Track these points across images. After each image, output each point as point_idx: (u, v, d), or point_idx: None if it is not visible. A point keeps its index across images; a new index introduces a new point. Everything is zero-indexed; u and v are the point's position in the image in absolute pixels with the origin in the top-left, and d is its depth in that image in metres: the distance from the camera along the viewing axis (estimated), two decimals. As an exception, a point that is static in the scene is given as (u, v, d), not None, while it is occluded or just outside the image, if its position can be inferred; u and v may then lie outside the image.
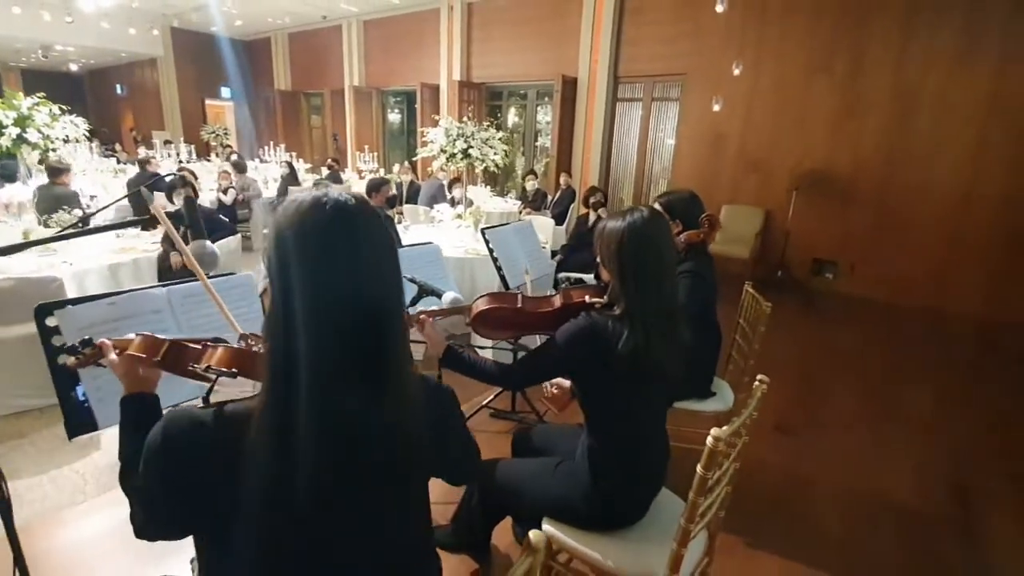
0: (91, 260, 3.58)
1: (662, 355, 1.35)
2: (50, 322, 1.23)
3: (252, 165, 9.00)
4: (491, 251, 2.87)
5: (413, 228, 4.92)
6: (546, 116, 8.98)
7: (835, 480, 2.57)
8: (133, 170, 7.46)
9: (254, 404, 0.77)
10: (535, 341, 2.46)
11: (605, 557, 1.37)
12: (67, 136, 5.47)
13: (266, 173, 9.11)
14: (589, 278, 4.05)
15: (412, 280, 1.82)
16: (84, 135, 5.89)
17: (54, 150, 5.36)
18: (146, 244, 4.02)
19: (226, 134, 13.48)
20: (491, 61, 9.02)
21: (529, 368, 1.54)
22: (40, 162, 5.44)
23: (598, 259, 1.46)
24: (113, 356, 1.00)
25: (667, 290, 1.40)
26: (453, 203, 5.87)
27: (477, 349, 2.85)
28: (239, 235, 4.65)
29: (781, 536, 2.16)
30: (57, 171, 4.56)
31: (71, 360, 1.02)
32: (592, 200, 5.00)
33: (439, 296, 1.73)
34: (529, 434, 1.82)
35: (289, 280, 0.74)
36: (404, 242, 3.58)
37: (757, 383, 1.37)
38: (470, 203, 5.30)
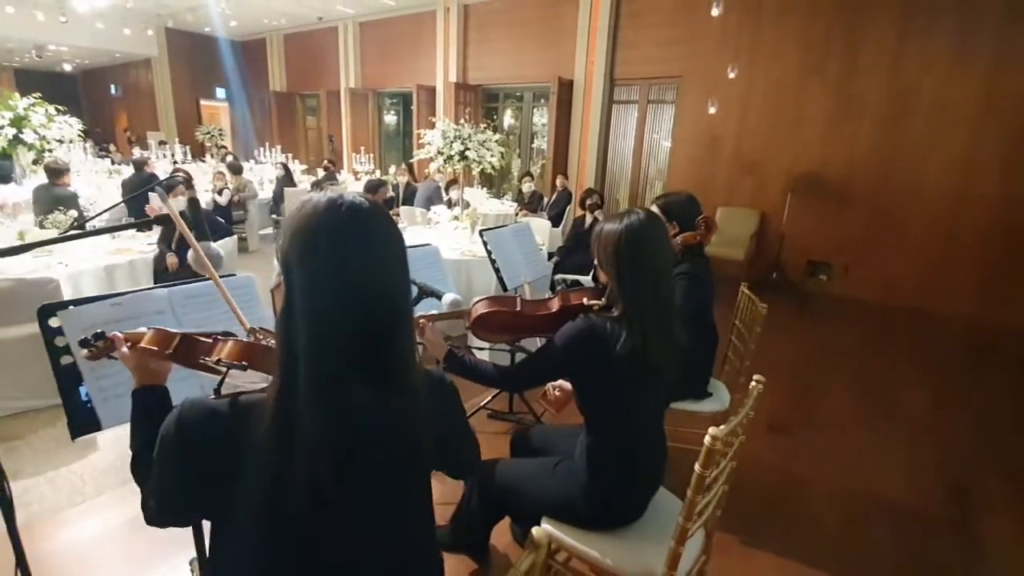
0: (87, 261, 3.57)
1: (660, 356, 1.37)
2: (53, 323, 1.24)
3: (247, 166, 8.98)
4: (489, 253, 2.88)
5: (410, 230, 4.93)
6: (542, 118, 9.01)
7: (831, 480, 2.60)
8: (128, 171, 7.42)
9: (266, 395, 0.80)
10: (535, 343, 2.48)
11: (604, 556, 1.38)
12: (62, 137, 5.45)
13: (262, 174, 9.10)
14: (586, 280, 4.07)
15: (412, 281, 1.83)
16: (79, 136, 5.87)
17: (50, 151, 5.34)
18: (141, 246, 4.01)
19: (221, 135, 13.46)
20: (487, 63, 9.05)
21: (529, 370, 1.56)
22: (35, 163, 5.41)
23: (596, 261, 1.47)
24: (125, 349, 1.02)
25: (664, 291, 1.42)
26: (450, 205, 5.88)
27: (474, 350, 2.87)
28: (235, 236, 4.65)
29: (777, 535, 2.18)
30: (57, 172, 4.54)
31: (84, 352, 1.04)
32: (588, 202, 5.01)
33: (439, 297, 1.74)
34: (528, 434, 1.83)
35: (304, 278, 0.76)
36: (402, 243, 3.58)
37: (754, 383, 1.39)
38: (467, 205, 5.31)
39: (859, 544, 2.19)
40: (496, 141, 5.37)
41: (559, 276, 4.48)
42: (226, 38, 13.45)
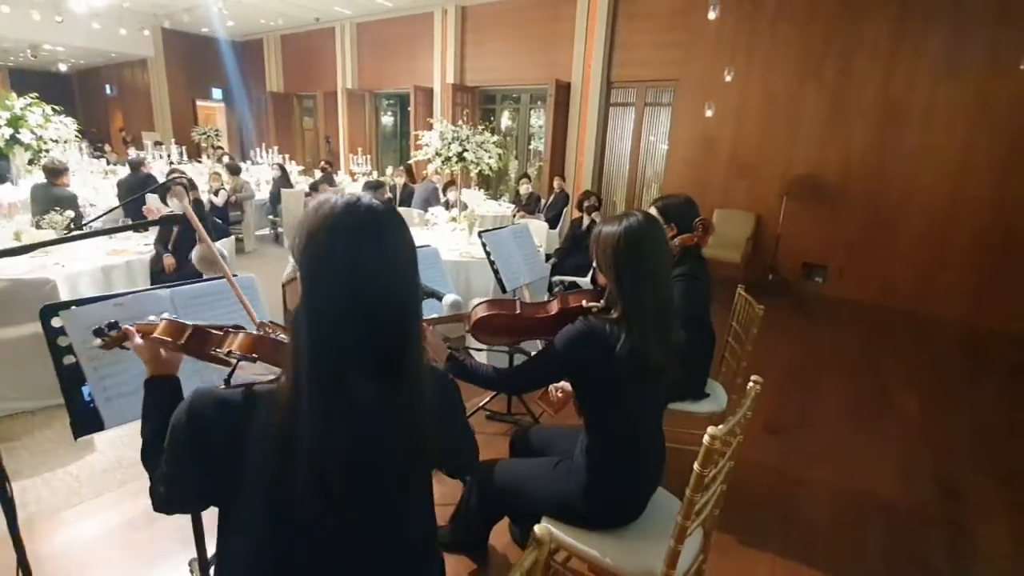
0: (84, 262, 3.56)
1: (659, 357, 1.38)
2: (55, 323, 1.24)
3: (244, 167, 8.96)
4: (488, 254, 2.88)
5: (408, 231, 4.92)
6: (539, 120, 9.03)
7: (827, 480, 2.62)
8: (123, 171, 7.39)
9: (277, 387, 0.81)
10: (535, 345, 2.49)
11: (603, 555, 1.39)
12: (58, 137, 5.44)
13: (258, 175, 9.07)
14: (583, 281, 4.08)
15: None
16: (74, 135, 5.85)
17: (47, 151, 5.32)
18: (138, 247, 4.00)
19: (217, 135, 13.41)
20: (485, 65, 9.07)
21: (529, 373, 1.57)
22: (30, 163, 5.39)
23: (595, 263, 1.48)
24: (138, 340, 1.04)
25: (663, 293, 1.43)
26: (447, 206, 5.89)
27: (473, 352, 2.88)
28: (232, 237, 4.65)
29: (774, 534, 2.20)
30: (56, 172, 4.52)
31: (98, 342, 1.07)
32: (586, 204, 5.04)
33: (439, 299, 1.75)
34: (527, 435, 1.84)
35: (319, 277, 0.78)
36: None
37: (751, 384, 1.40)
38: (464, 206, 5.32)
39: (854, 544, 2.21)
40: (494, 143, 5.38)
41: (556, 278, 4.49)
42: (223, 39, 13.41)
